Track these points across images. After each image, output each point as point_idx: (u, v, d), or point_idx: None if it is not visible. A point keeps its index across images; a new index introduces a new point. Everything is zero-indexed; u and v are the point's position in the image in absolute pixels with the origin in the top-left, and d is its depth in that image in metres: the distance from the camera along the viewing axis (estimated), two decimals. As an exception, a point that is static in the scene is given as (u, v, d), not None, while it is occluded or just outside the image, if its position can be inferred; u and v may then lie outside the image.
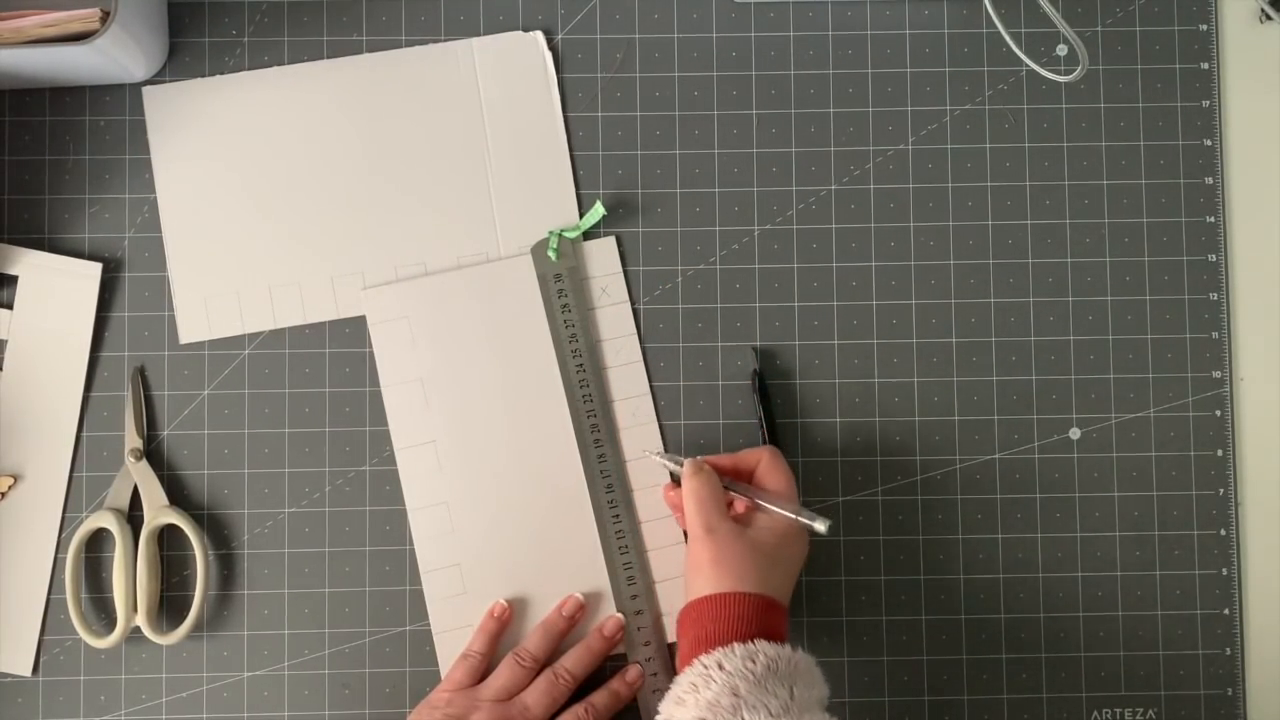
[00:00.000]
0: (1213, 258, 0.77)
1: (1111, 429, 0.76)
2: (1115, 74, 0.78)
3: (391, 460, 0.75)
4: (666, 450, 0.75)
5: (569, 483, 0.75)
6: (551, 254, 0.75)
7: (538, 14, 0.77)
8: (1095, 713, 0.75)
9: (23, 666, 0.74)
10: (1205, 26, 0.78)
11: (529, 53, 0.77)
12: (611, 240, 0.76)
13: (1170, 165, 0.77)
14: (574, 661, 0.72)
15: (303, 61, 0.76)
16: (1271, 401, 0.77)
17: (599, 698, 0.72)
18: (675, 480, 0.74)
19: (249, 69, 0.76)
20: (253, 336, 0.76)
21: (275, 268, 0.76)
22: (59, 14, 0.68)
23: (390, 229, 0.76)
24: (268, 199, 0.76)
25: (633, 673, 0.74)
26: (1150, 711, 0.75)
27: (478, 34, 0.77)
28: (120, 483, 0.74)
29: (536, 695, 0.70)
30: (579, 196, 0.77)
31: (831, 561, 0.75)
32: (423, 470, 0.75)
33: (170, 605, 0.75)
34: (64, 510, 0.74)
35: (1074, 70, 0.70)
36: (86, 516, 0.74)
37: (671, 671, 0.74)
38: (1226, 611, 0.76)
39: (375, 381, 0.75)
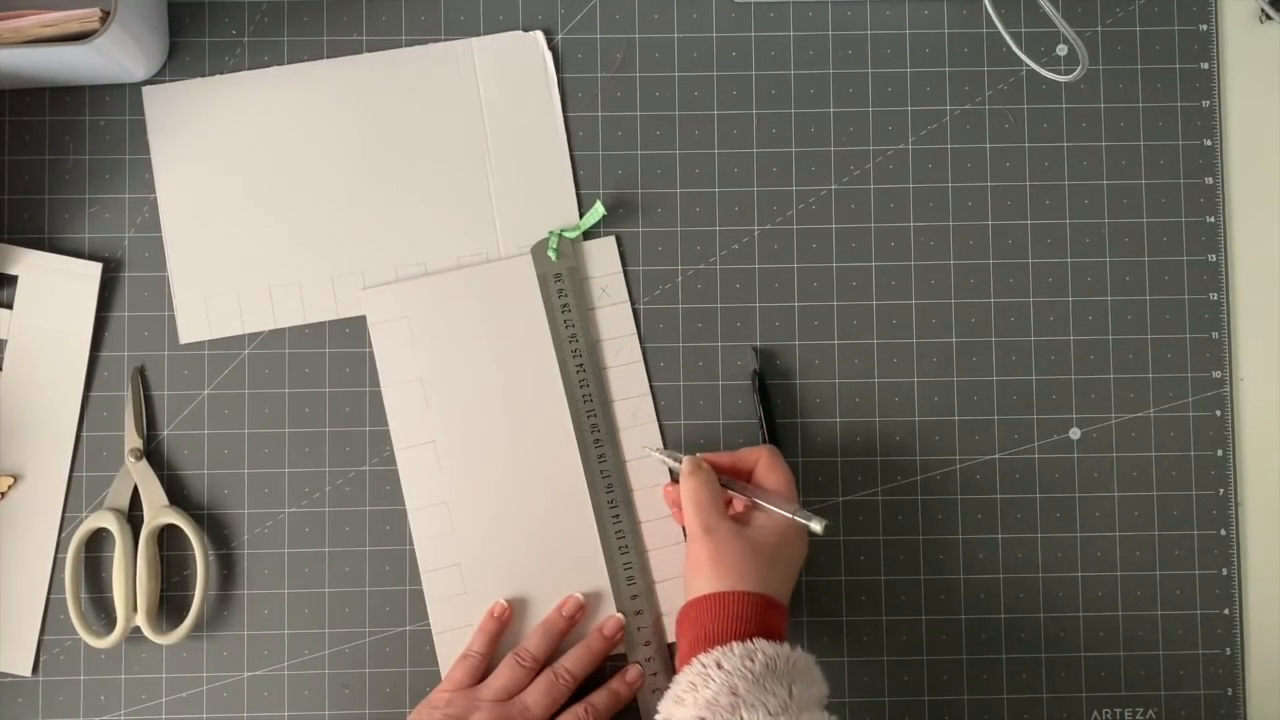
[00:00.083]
0: (1213, 258, 0.77)
1: (1111, 429, 0.76)
2: (1115, 74, 0.78)
3: (391, 460, 0.75)
4: (666, 447, 0.75)
5: (569, 483, 0.75)
6: (551, 254, 0.75)
7: (538, 14, 0.77)
8: (1095, 713, 0.75)
9: (23, 666, 0.74)
10: (1205, 26, 0.78)
11: (529, 53, 0.77)
12: (611, 240, 0.76)
13: (1170, 165, 0.77)
14: (574, 661, 0.72)
15: (303, 61, 0.76)
16: (1271, 401, 0.77)
17: (599, 698, 0.72)
18: (675, 478, 0.74)
19: (249, 69, 0.76)
20: (253, 336, 0.76)
21: (275, 268, 0.76)
22: (59, 14, 0.68)
23: (390, 229, 0.76)
24: (268, 199, 0.76)
25: (633, 673, 0.74)
26: (1150, 711, 0.75)
27: (478, 34, 0.77)
28: (120, 483, 0.74)
29: (536, 695, 0.70)
30: (579, 196, 0.77)
31: (831, 561, 0.75)
32: (423, 470, 0.75)
33: (170, 605, 0.75)
34: (64, 510, 0.74)
35: (1074, 70, 0.70)
36: (86, 516, 0.74)
37: (671, 671, 0.74)
38: (1226, 611, 0.76)
39: (375, 381, 0.75)
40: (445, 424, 0.75)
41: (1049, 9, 0.69)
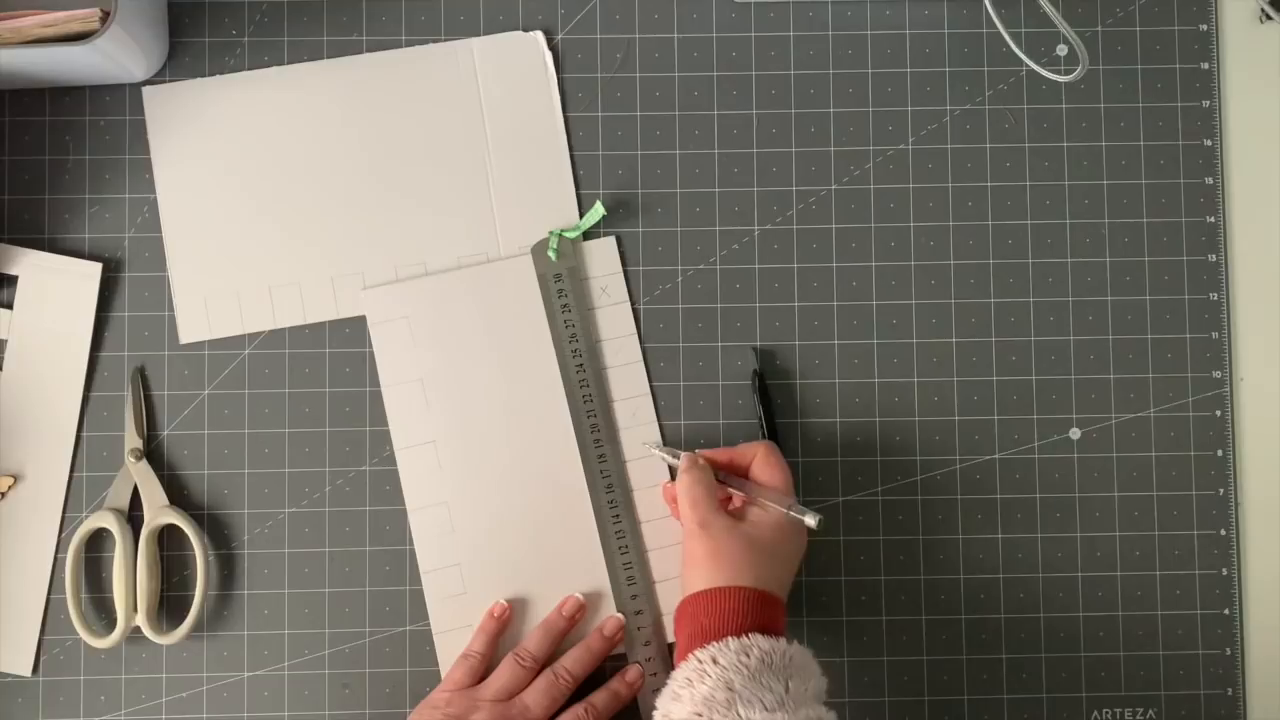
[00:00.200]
0: (1213, 258, 0.77)
1: (1111, 429, 0.76)
2: (1115, 74, 0.78)
3: (391, 460, 0.75)
4: (665, 444, 0.75)
5: (569, 483, 0.75)
6: (551, 254, 0.75)
7: (538, 14, 0.77)
8: (1095, 713, 0.75)
9: (23, 666, 0.74)
10: (1205, 26, 0.78)
11: (529, 53, 0.77)
12: (611, 240, 0.76)
13: (1170, 165, 0.77)
14: (574, 661, 0.72)
15: (303, 61, 0.76)
16: (1271, 401, 0.77)
17: (599, 698, 0.72)
18: (674, 476, 0.74)
19: (249, 69, 0.76)
20: (253, 336, 0.76)
21: (275, 268, 0.76)
22: (59, 14, 0.68)
23: (390, 229, 0.76)
24: (268, 199, 0.76)
25: (633, 673, 0.74)
26: (1150, 711, 0.75)
27: (478, 34, 0.77)
28: (120, 483, 0.74)
29: (536, 695, 0.70)
30: (579, 196, 0.77)
31: (831, 561, 0.75)
32: (423, 470, 0.75)
33: (170, 605, 0.75)
34: (64, 510, 0.74)
35: (1074, 70, 0.70)
36: (86, 516, 0.74)
37: (671, 671, 0.74)
38: (1226, 611, 0.76)
39: (375, 381, 0.75)
40: (445, 424, 0.75)
41: (1049, 9, 0.69)
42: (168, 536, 0.75)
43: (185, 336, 0.75)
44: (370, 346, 0.75)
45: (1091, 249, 0.77)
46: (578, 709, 0.71)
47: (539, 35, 0.77)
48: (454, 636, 0.74)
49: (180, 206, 0.76)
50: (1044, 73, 0.73)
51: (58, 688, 0.74)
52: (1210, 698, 0.75)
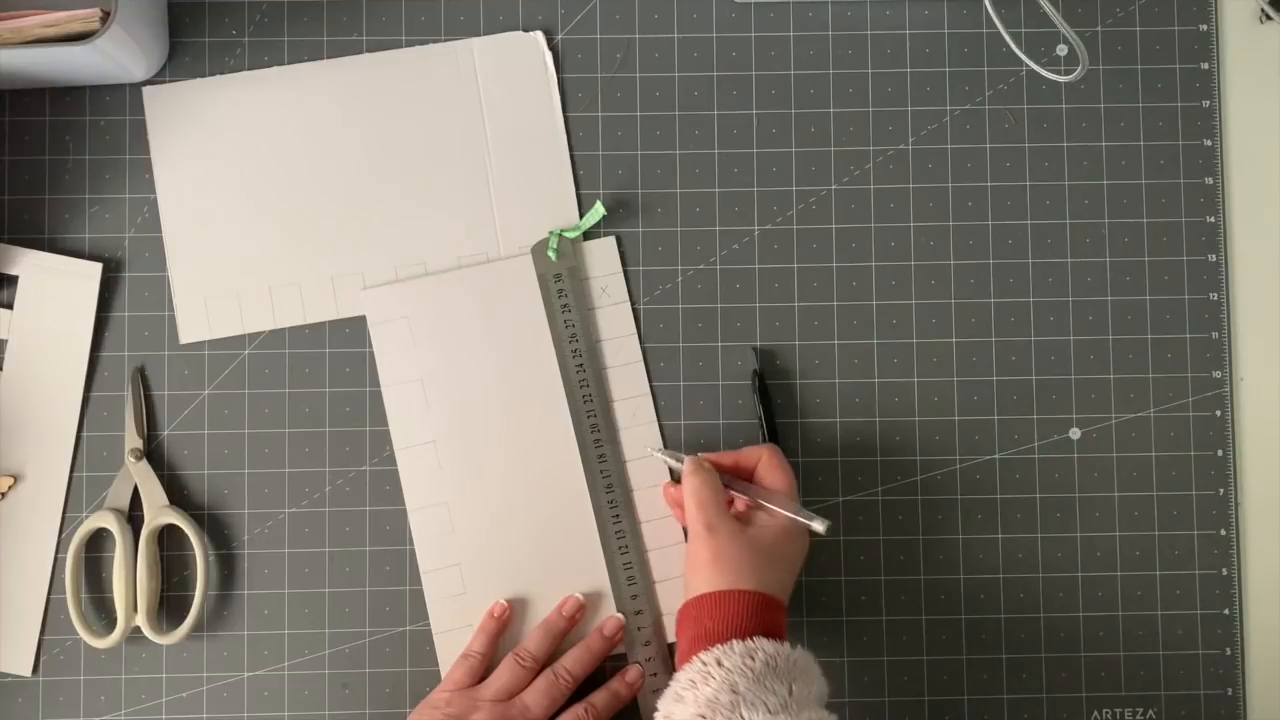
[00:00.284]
0: (1213, 258, 0.77)
1: (1111, 429, 0.76)
2: (1115, 74, 0.78)
3: (391, 460, 0.75)
4: (666, 448, 0.75)
5: (569, 483, 0.75)
6: (551, 254, 0.75)
7: (538, 14, 0.77)
8: (1095, 713, 0.75)
9: (23, 666, 0.74)
10: (1205, 26, 0.78)
11: (529, 53, 0.77)
12: (611, 240, 0.76)
13: (1170, 165, 0.77)
14: (574, 661, 0.72)
15: (303, 61, 0.76)
16: (1271, 401, 0.77)
17: (599, 698, 0.72)
18: (675, 477, 0.74)
19: (249, 69, 0.76)
20: (253, 336, 0.76)
21: (275, 268, 0.76)
22: (59, 14, 0.68)
23: (390, 229, 0.76)
24: (268, 199, 0.76)
25: (633, 673, 0.74)
26: (1150, 711, 0.75)
27: (478, 34, 0.77)
28: (120, 483, 0.74)
29: (536, 695, 0.70)
30: (579, 196, 0.77)
31: (831, 561, 0.75)
32: (423, 470, 0.75)
33: (170, 605, 0.75)
34: (64, 510, 0.74)
35: (1074, 70, 0.70)
36: (86, 516, 0.74)
37: (671, 671, 0.74)
38: (1226, 611, 0.76)
39: (375, 381, 0.75)
40: (445, 424, 0.75)
41: (1049, 9, 0.69)
42: (168, 536, 0.75)
43: (185, 336, 0.75)
44: (370, 346, 0.75)
45: (1091, 249, 0.77)
46: (578, 709, 0.71)
47: (539, 35, 0.77)
48: (454, 636, 0.74)
49: (180, 206, 0.76)
50: (1044, 73, 0.73)
51: (58, 688, 0.74)
52: (1210, 698, 0.75)
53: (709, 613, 0.65)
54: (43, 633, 0.74)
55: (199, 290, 0.76)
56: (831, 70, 0.77)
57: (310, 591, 0.75)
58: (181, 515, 0.74)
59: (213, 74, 0.76)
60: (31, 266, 0.75)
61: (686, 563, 0.68)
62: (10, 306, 0.75)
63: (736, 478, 0.71)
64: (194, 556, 0.74)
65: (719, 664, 0.62)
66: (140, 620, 0.73)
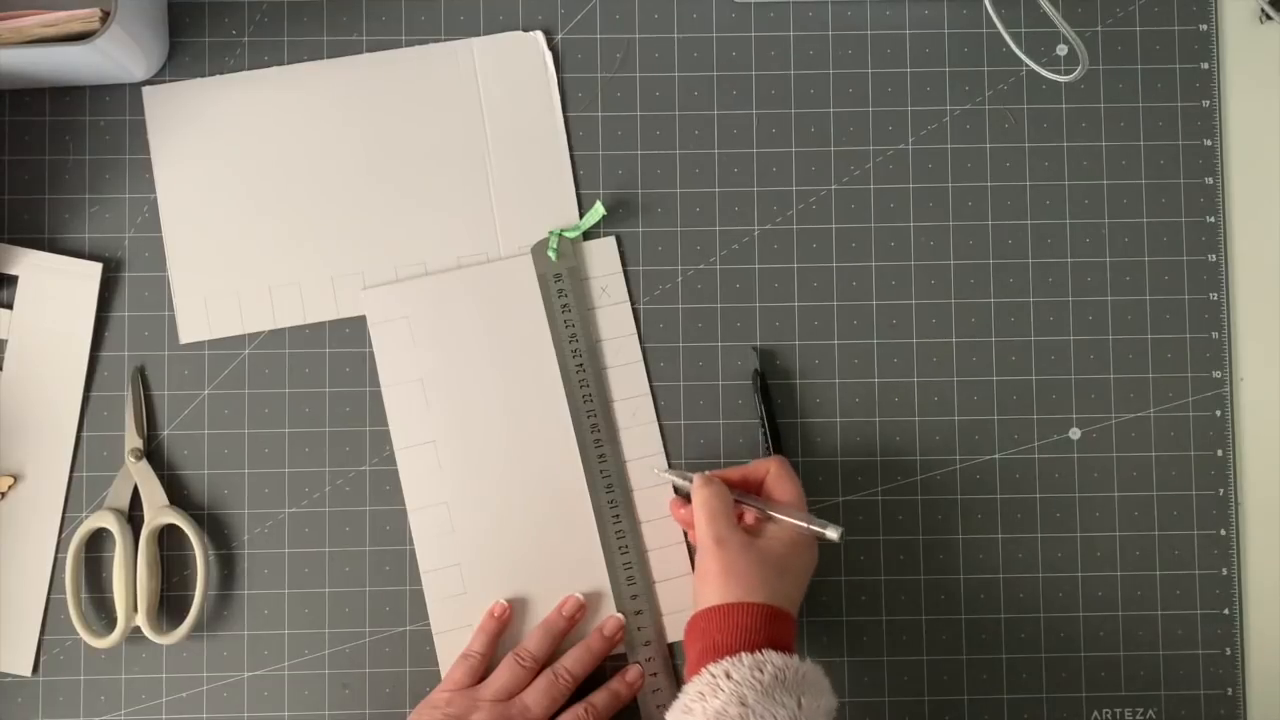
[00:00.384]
0: (1213, 258, 0.77)
1: (1111, 429, 0.76)
2: (1115, 74, 0.78)
3: (391, 460, 0.75)
4: (670, 466, 0.75)
5: (569, 483, 0.75)
6: (551, 254, 0.75)
7: (538, 14, 0.77)
8: (1095, 713, 0.75)
9: (23, 666, 0.74)
10: (1205, 26, 0.78)
11: (529, 53, 0.77)
12: (611, 240, 0.76)
13: (1170, 165, 0.77)
14: (574, 661, 0.72)
15: (303, 61, 0.76)
16: (1271, 401, 0.77)
17: (599, 698, 0.72)
18: (682, 496, 0.73)
19: (249, 69, 0.76)
20: (253, 336, 0.76)
21: (275, 268, 0.76)
22: (59, 14, 0.68)
23: (390, 229, 0.76)
24: (268, 199, 0.76)
25: (633, 673, 0.74)
26: (1150, 711, 0.75)
27: (478, 34, 0.77)
28: (120, 483, 0.74)
29: (536, 695, 0.70)
30: (579, 196, 0.77)
31: (831, 561, 0.75)
32: (423, 470, 0.75)
33: (170, 605, 0.75)
34: (64, 510, 0.74)
35: (1074, 70, 0.70)
36: (86, 516, 0.74)
37: (672, 672, 0.74)
38: (1226, 611, 0.76)
39: (375, 381, 0.75)
40: (445, 424, 0.75)
41: (1049, 9, 0.69)
42: (168, 536, 0.75)
43: (185, 336, 0.75)
44: (370, 346, 0.75)
45: (1091, 249, 0.77)
46: (578, 709, 0.71)
47: (539, 35, 0.77)
48: (454, 636, 0.74)
49: (180, 206, 0.76)
50: (1044, 73, 0.73)
51: (58, 688, 0.74)
52: (1210, 698, 0.75)
53: (718, 625, 0.65)
54: (43, 633, 0.74)
55: (199, 290, 0.76)
56: (831, 70, 0.77)
57: (310, 591, 0.75)
58: (181, 515, 0.74)
59: (213, 74, 0.76)
60: (31, 266, 0.75)
61: (696, 575, 0.68)
62: (10, 306, 0.75)
63: (745, 492, 0.71)
64: (194, 556, 0.74)
65: (727, 676, 0.62)
66: (140, 620, 0.73)
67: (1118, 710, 0.75)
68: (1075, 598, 0.76)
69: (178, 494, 0.75)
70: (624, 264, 0.76)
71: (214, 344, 0.76)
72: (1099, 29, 0.78)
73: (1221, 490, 0.76)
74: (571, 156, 0.77)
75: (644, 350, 0.76)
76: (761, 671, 0.62)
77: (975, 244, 0.77)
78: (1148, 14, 0.78)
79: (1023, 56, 0.74)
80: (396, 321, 0.75)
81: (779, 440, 0.75)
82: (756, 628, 0.64)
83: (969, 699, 0.75)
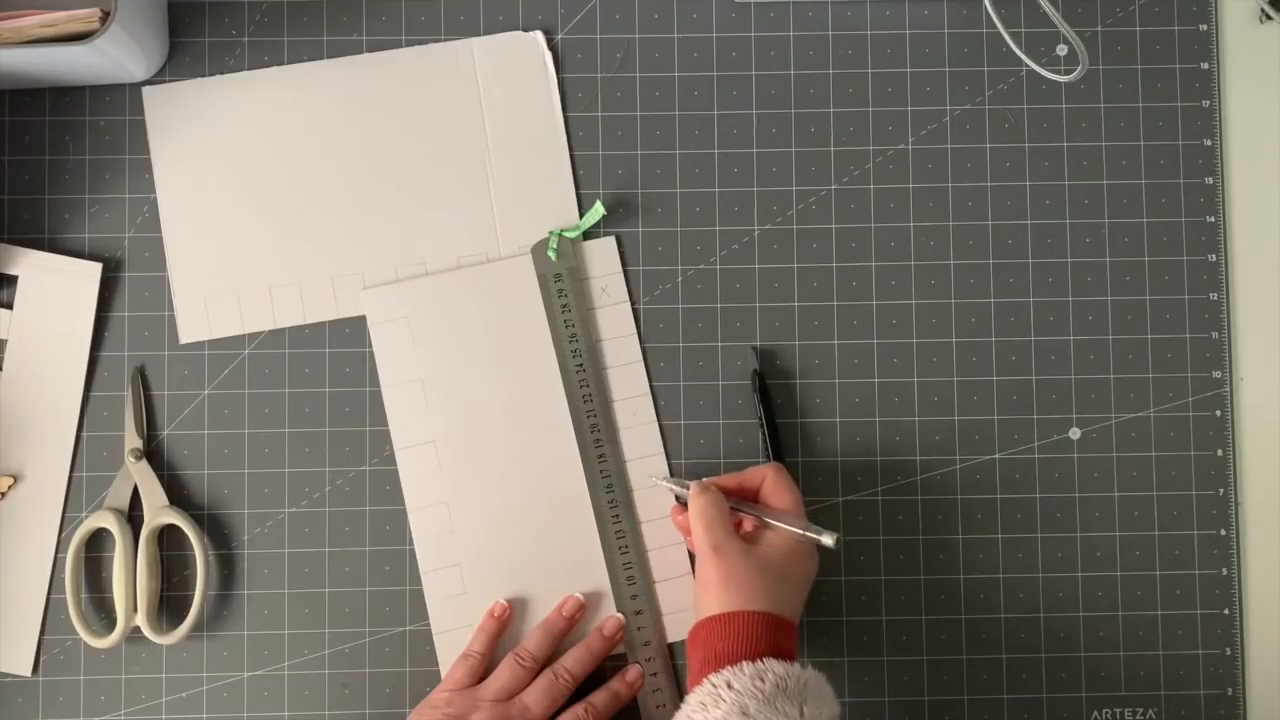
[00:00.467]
0: (1213, 258, 0.77)
1: (1111, 429, 0.76)
2: (1115, 74, 0.78)
3: (391, 460, 0.75)
4: (670, 467, 0.75)
5: (569, 483, 0.75)
6: (551, 254, 0.75)
7: (538, 14, 0.77)
8: (1095, 713, 0.75)
9: (23, 666, 0.74)
10: (1205, 26, 0.78)
11: (529, 53, 0.77)
12: (611, 240, 0.76)
13: (1170, 165, 0.77)
14: (574, 661, 0.72)
15: (303, 61, 0.76)
16: (1271, 401, 0.77)
17: (599, 698, 0.72)
18: (682, 503, 0.73)
19: (249, 69, 0.76)
20: (253, 336, 0.76)
21: (275, 268, 0.76)
22: (59, 14, 0.68)
23: (390, 229, 0.76)
24: (268, 199, 0.76)
25: (633, 673, 0.74)
26: (1150, 711, 0.75)
27: (478, 34, 0.77)
28: (120, 483, 0.74)
29: (536, 695, 0.70)
30: (579, 196, 0.77)
31: (831, 561, 0.75)
32: (423, 470, 0.75)
33: (170, 605, 0.75)
34: (64, 510, 0.74)
35: (1074, 70, 0.70)
36: (86, 516, 0.74)
37: (672, 672, 0.74)
38: (1226, 611, 0.76)
39: (375, 381, 0.75)
40: (445, 424, 0.75)
41: (1049, 9, 0.69)
42: (168, 536, 0.75)
43: (185, 336, 0.76)
44: (370, 346, 0.75)
45: (1091, 249, 0.77)
46: (578, 709, 0.71)
47: (539, 35, 0.77)
48: (454, 636, 0.74)
49: (180, 206, 0.76)
50: (1044, 73, 0.73)
51: (58, 688, 0.74)
52: (1210, 698, 0.75)
53: (719, 634, 0.65)
54: (43, 633, 0.74)
55: (199, 290, 0.76)
56: (831, 70, 0.77)
57: (310, 591, 0.75)
58: (181, 515, 0.74)
59: (212, 74, 0.76)
60: (31, 266, 0.75)
61: (696, 583, 0.68)
62: (10, 306, 0.75)
63: (742, 499, 0.71)
64: (194, 556, 0.74)
65: (729, 686, 0.62)
66: (140, 620, 0.73)
67: (1118, 710, 0.75)
68: (1075, 598, 0.76)
69: (178, 494, 0.75)
70: (624, 264, 0.76)
71: (214, 344, 0.76)
72: (1099, 29, 0.78)
73: (1221, 490, 0.76)
74: (571, 156, 0.77)
75: (644, 350, 0.76)
76: (763, 680, 0.62)
77: (975, 244, 0.77)
78: (1148, 14, 0.78)
79: (1023, 56, 0.74)
80: (396, 321, 0.75)
81: (778, 441, 0.75)
82: (758, 636, 0.64)
83: (969, 699, 0.75)
